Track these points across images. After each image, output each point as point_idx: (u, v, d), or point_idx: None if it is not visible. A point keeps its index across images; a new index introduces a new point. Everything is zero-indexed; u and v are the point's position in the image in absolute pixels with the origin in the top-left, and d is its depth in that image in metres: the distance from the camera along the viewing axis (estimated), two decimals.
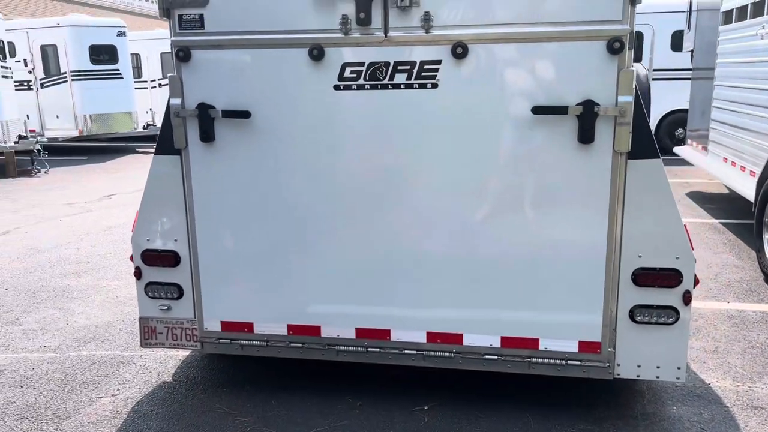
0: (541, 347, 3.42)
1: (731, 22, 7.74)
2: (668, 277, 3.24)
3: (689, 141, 9.71)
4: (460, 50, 3.11)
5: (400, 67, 3.22)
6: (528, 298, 3.38)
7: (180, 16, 3.35)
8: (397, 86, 3.23)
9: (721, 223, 7.74)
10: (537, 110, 3.12)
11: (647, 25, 12.37)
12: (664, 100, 12.26)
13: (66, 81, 15.50)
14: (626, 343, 3.35)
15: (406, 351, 3.58)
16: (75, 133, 15.70)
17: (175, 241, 3.70)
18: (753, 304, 5.14)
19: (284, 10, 3.24)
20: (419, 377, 3.91)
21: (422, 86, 3.21)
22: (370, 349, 3.61)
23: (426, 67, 3.19)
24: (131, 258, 3.83)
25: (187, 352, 4.41)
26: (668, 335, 3.31)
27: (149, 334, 3.90)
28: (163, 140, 3.57)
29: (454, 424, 3.47)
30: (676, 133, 12.82)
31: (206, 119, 3.43)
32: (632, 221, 3.22)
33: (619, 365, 3.39)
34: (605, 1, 2.97)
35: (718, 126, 8.10)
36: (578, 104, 3.08)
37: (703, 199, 9.06)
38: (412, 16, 3.13)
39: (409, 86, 3.23)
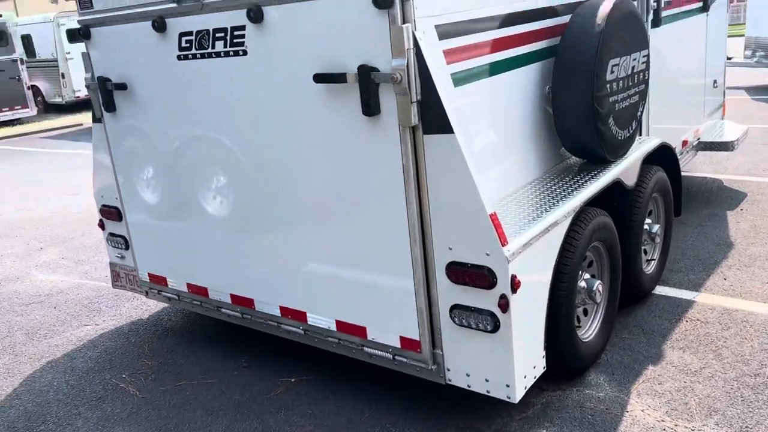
0: (369, 336, 3.13)
1: None
2: (479, 276, 2.67)
3: None
4: (252, 14, 2.92)
5: (217, 35, 3.14)
6: (349, 282, 3.10)
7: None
8: (218, 54, 3.17)
9: None
10: (319, 78, 2.79)
11: None
12: None
13: None
14: (453, 346, 2.88)
15: (269, 322, 3.57)
16: None
17: (116, 198, 4.17)
18: None
19: None
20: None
21: (236, 53, 3.09)
22: (244, 315, 3.68)
23: (235, 33, 3.06)
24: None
25: None
26: (491, 345, 2.76)
27: (116, 277, 4.50)
28: (93, 110, 4.03)
29: (302, 401, 3.39)
30: None
31: (105, 91, 3.78)
32: (436, 207, 2.72)
33: (449, 370, 2.94)
34: None
35: None
36: (357, 70, 2.67)
37: None
38: None
39: (226, 54, 3.13)
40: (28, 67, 17.54)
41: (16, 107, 17.18)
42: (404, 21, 2.51)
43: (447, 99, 2.59)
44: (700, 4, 5.31)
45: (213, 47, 3.17)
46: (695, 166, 6.83)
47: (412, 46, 2.52)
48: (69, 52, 17.52)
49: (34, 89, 18.12)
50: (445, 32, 2.68)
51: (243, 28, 3.01)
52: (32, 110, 17.52)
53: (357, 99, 2.71)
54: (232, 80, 3.16)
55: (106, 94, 3.78)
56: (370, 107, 2.68)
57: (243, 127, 3.21)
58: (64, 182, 9.39)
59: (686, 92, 5.40)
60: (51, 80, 18.72)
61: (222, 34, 3.11)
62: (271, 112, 3.06)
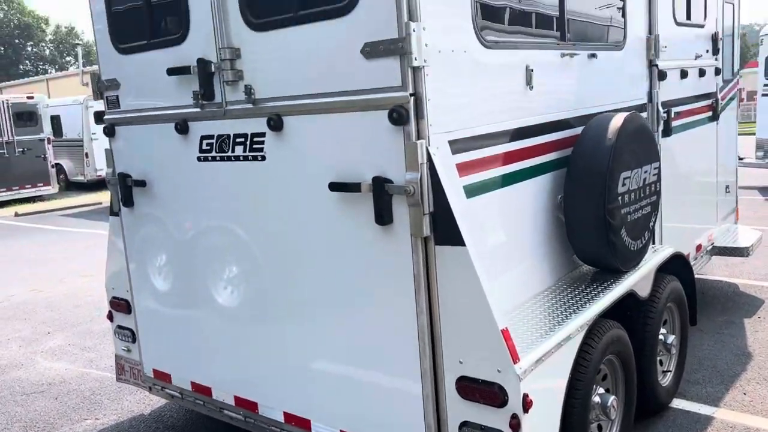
0: None
1: None
2: (490, 394, 2.60)
3: None
4: (272, 122, 3.01)
5: (237, 140, 3.23)
6: (356, 391, 3.03)
7: (107, 98, 3.86)
8: (237, 158, 3.24)
9: None
10: (334, 187, 2.84)
11: None
12: None
13: None
14: None
15: (272, 428, 3.46)
16: None
17: (127, 291, 4.18)
18: None
19: (160, 88, 3.51)
20: None
21: (254, 158, 3.17)
22: (247, 419, 3.59)
23: (255, 139, 3.15)
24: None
25: None
26: None
27: (120, 370, 4.43)
28: (111, 204, 4.10)
29: None
30: None
31: (125, 187, 3.86)
32: (447, 319, 2.69)
33: None
34: (384, 67, 2.59)
35: None
36: (371, 181, 2.72)
37: None
38: (239, 90, 3.13)
39: (245, 158, 3.21)
40: (54, 146, 18.13)
41: (38, 184, 17.64)
42: (419, 137, 2.58)
43: (459, 212, 2.61)
44: (710, 113, 5.42)
45: (233, 151, 3.25)
46: (710, 269, 6.76)
47: (425, 161, 2.57)
48: (95, 133, 18.10)
49: (58, 167, 18.65)
50: (458, 147, 2.74)
51: (263, 135, 3.10)
52: (54, 188, 17.96)
53: (370, 208, 2.74)
54: (250, 183, 3.22)
55: (125, 190, 3.86)
56: (383, 217, 2.70)
57: (257, 228, 3.24)
58: (79, 263, 9.46)
59: (699, 198, 5.43)
60: (75, 159, 19.29)
61: (242, 140, 3.20)
62: (285, 215, 3.10)
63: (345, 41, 2.69)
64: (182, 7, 3.26)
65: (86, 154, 18.71)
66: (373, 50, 2.60)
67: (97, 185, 18.18)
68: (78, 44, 44.83)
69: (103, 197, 16.51)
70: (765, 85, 12.22)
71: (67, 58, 57.37)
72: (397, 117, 2.56)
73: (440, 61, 2.63)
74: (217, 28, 3.10)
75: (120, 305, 4.23)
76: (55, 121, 18.90)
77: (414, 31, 2.48)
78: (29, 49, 56.37)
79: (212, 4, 3.10)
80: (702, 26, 5.24)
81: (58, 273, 8.92)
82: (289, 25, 2.86)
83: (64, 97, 20.60)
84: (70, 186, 19.44)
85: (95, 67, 4.01)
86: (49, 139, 17.86)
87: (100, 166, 18.27)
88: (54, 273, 8.93)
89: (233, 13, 3.04)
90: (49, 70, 53.90)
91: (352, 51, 2.66)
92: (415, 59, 2.51)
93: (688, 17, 4.94)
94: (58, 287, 8.15)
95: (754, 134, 12.84)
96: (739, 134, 6.55)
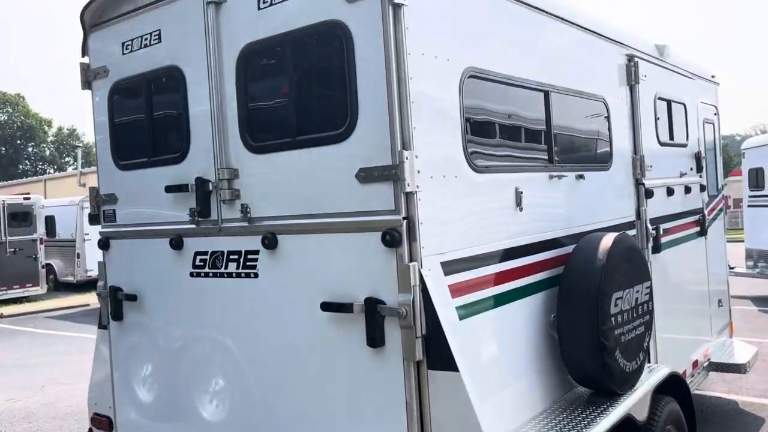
0: None
1: None
2: None
3: None
4: (267, 241, 3.04)
5: (231, 257, 3.24)
6: None
7: (104, 212, 3.91)
8: (230, 275, 3.24)
9: None
10: (326, 307, 2.83)
11: None
12: None
13: None
14: None
15: None
16: None
17: (110, 407, 4.04)
18: None
19: (157, 204, 3.56)
20: None
21: (247, 275, 3.17)
22: None
23: (249, 256, 3.16)
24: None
25: None
26: None
27: None
28: (100, 317, 4.05)
29: None
30: None
31: (115, 300, 3.82)
32: None
33: None
34: (378, 192, 2.66)
35: None
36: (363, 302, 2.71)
37: None
38: (235, 208, 3.18)
39: (238, 275, 3.21)
40: (46, 246, 18.13)
41: (27, 285, 17.46)
42: (411, 259, 2.60)
43: (452, 335, 2.59)
44: (698, 228, 5.52)
45: (226, 268, 3.26)
46: (708, 385, 6.63)
47: (418, 283, 2.58)
48: (87, 233, 18.16)
49: (48, 267, 18.55)
50: (450, 268, 2.76)
51: (257, 252, 3.12)
52: (42, 288, 17.78)
53: (362, 329, 2.72)
54: (241, 300, 3.20)
55: (115, 304, 3.82)
56: (375, 339, 2.67)
57: (248, 346, 3.19)
58: (60, 369, 9.19)
59: (692, 313, 5.42)
60: (66, 259, 19.24)
61: (236, 257, 3.21)
62: (276, 334, 3.06)
63: (340, 166, 2.77)
64: (184, 127, 3.37)
65: (78, 254, 18.68)
66: (367, 175, 2.68)
67: (86, 285, 18.02)
68: (78, 146, 45.94)
69: (91, 299, 16.29)
70: (750, 195, 12.54)
71: (67, 159, 58.54)
72: (390, 240, 2.59)
73: (432, 186, 2.70)
74: (216, 149, 3.20)
75: (102, 422, 4.07)
76: (50, 221, 19.00)
77: (407, 159, 2.57)
78: (30, 149, 57.59)
79: (213, 126, 3.21)
80: (685, 145, 5.44)
81: (38, 380, 8.64)
82: (286, 149, 2.95)
83: (60, 197, 20.88)
84: (59, 286, 19.25)
85: (93, 168, 4.08)
86: (41, 239, 17.89)
87: (90, 267, 18.20)
88: (34, 380, 8.65)
89: (233, 135, 3.15)
90: (48, 170, 54.85)
91: (347, 175, 2.74)
92: (408, 185, 2.58)
93: (671, 137, 5.15)
94: (37, 395, 7.87)
95: (742, 241, 13.02)
96: (728, 241, 6.64)
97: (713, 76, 6.43)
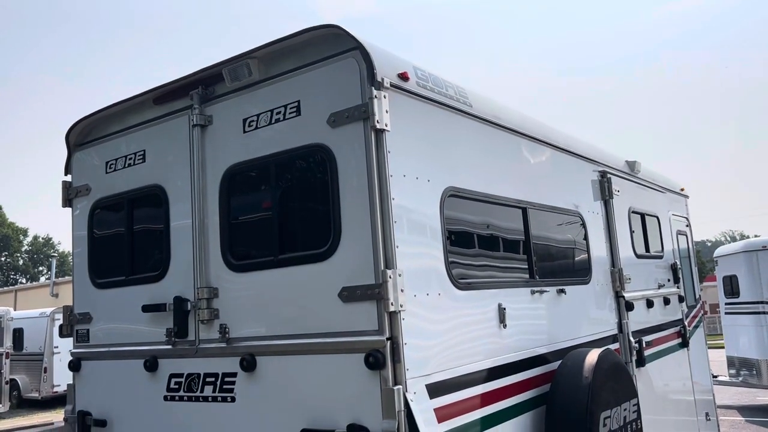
0: None
1: None
2: None
3: None
4: (245, 363, 2.94)
5: (208, 379, 3.12)
6: None
7: (77, 331, 3.79)
8: (206, 399, 3.11)
9: None
10: None
11: None
12: None
13: None
14: None
15: None
16: None
17: None
18: None
19: (132, 324, 3.46)
20: None
21: (224, 399, 3.04)
22: None
23: (226, 379, 3.05)
24: None
25: None
26: None
27: None
28: None
29: None
30: None
31: (83, 426, 3.62)
32: None
33: None
34: (361, 311, 2.63)
35: None
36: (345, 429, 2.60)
37: None
38: (213, 329, 3.11)
39: (214, 399, 3.08)
40: (12, 361, 17.36)
41: None
42: (395, 382, 2.53)
43: None
44: (680, 340, 5.50)
45: (201, 391, 3.13)
46: None
47: (403, 408, 2.50)
48: (57, 347, 17.53)
49: (12, 383, 17.68)
50: (435, 390, 2.68)
51: (234, 375, 3.01)
52: (4, 406, 16.84)
53: None
54: (217, 426, 3.05)
55: (83, 429, 3.62)
56: None
57: None
58: None
59: (680, 427, 5.28)
60: (32, 374, 18.39)
61: (212, 379, 3.10)
62: None
63: (323, 285, 2.74)
64: (164, 246, 3.35)
65: (45, 369, 17.91)
66: (350, 294, 2.65)
67: (52, 402, 17.15)
68: (53, 256, 45.35)
69: (56, 417, 15.49)
70: (726, 303, 12.62)
71: (41, 268, 57.54)
72: (374, 361, 2.53)
73: (416, 305, 2.68)
74: (197, 267, 3.16)
75: None
76: (17, 333, 18.35)
77: (390, 278, 2.56)
78: (2, 258, 56.65)
79: (194, 244, 3.20)
80: (661, 257, 5.53)
81: None
82: (268, 267, 2.93)
83: (31, 309, 20.27)
84: (23, 403, 18.29)
85: (68, 278, 3.98)
86: (7, 353, 17.17)
87: (57, 382, 17.42)
88: None
89: (214, 254, 3.13)
90: (20, 280, 53.71)
91: (329, 294, 2.71)
92: (392, 304, 2.55)
93: (647, 250, 5.24)
94: None
95: (722, 347, 12.95)
96: (708, 347, 6.58)
97: (682, 189, 6.65)
